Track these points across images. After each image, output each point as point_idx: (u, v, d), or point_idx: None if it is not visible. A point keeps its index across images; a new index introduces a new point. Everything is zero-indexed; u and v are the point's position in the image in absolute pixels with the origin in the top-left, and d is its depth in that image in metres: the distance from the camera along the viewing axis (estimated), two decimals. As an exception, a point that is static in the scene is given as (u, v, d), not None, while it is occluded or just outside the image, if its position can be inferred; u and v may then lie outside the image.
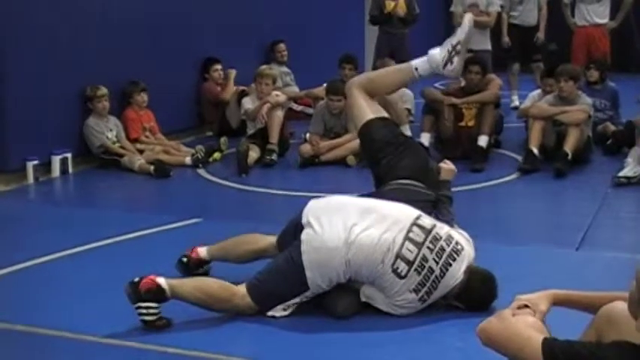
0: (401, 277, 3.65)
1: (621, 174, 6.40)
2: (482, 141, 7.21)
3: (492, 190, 6.48)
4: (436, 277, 3.70)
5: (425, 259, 3.67)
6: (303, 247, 3.66)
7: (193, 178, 6.97)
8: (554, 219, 5.85)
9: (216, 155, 7.52)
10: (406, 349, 3.51)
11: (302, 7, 10.39)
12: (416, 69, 4.47)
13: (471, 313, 3.62)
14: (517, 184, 6.66)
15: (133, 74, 7.58)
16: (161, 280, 3.60)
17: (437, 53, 4.40)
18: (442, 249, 3.72)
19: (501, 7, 9.85)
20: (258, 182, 6.68)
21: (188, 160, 7.24)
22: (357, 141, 7.20)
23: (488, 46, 9.58)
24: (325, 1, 10.94)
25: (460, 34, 4.44)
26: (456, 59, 4.36)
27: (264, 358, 3.43)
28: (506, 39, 10.00)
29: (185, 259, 4.29)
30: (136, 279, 3.61)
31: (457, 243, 3.78)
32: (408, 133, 7.50)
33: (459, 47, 4.38)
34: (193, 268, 4.25)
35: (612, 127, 7.73)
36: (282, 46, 9.79)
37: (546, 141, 7.00)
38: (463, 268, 3.76)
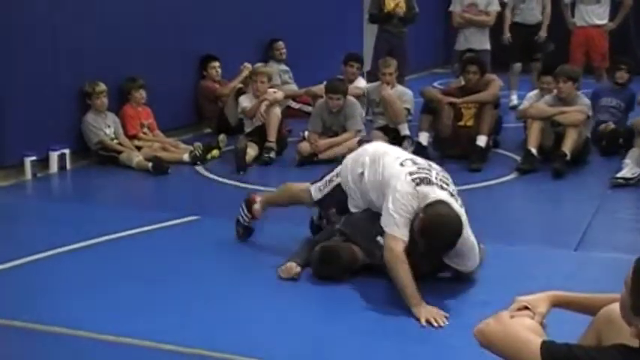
0: (403, 165, 4.13)
1: (619, 175, 6.40)
2: (481, 141, 7.20)
3: (490, 190, 6.48)
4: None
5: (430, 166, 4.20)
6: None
7: (191, 175, 6.96)
8: (552, 219, 5.84)
9: (215, 153, 7.51)
10: (403, 347, 3.51)
11: (301, 4, 10.38)
12: None
13: (468, 313, 3.61)
14: (515, 184, 6.66)
15: (132, 71, 7.56)
16: (257, 197, 4.89)
17: None
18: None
19: (505, 3, 9.85)
20: (256, 180, 6.67)
21: (186, 157, 7.24)
22: (355, 139, 7.26)
23: (488, 46, 9.57)
24: (324, -1, 10.94)
25: None
26: None
27: (260, 356, 3.42)
28: (507, 35, 9.97)
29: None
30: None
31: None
32: (407, 132, 7.52)
33: None
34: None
35: (611, 126, 7.70)
36: (280, 43, 9.78)
37: (545, 141, 7.00)
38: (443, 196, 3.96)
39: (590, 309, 2.57)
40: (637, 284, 2.11)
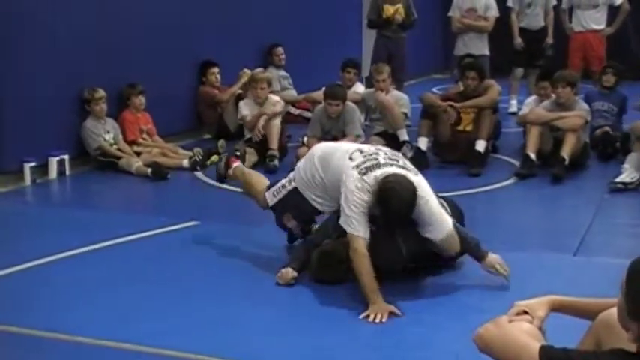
0: (352, 160, 4.15)
1: (618, 180, 6.41)
2: (480, 146, 7.21)
3: (489, 195, 6.48)
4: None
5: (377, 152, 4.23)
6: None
7: (191, 181, 6.96)
8: (551, 224, 5.85)
9: (214, 158, 7.48)
10: (403, 353, 3.52)
11: (300, 10, 10.40)
12: None
13: (468, 318, 3.61)
14: (514, 189, 6.66)
15: (131, 77, 7.58)
16: (237, 163, 5.31)
17: None
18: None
19: (511, 8, 9.87)
20: (255, 185, 6.66)
21: (186, 163, 7.23)
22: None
23: (487, 51, 9.60)
24: (323, 5, 10.95)
25: None
26: None
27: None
28: (518, 40, 9.95)
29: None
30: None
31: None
32: (406, 137, 7.52)
33: None
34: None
35: (606, 129, 7.70)
36: (280, 49, 9.80)
37: (543, 146, 7.00)
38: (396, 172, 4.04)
39: (588, 313, 2.57)
40: (631, 288, 2.11)
